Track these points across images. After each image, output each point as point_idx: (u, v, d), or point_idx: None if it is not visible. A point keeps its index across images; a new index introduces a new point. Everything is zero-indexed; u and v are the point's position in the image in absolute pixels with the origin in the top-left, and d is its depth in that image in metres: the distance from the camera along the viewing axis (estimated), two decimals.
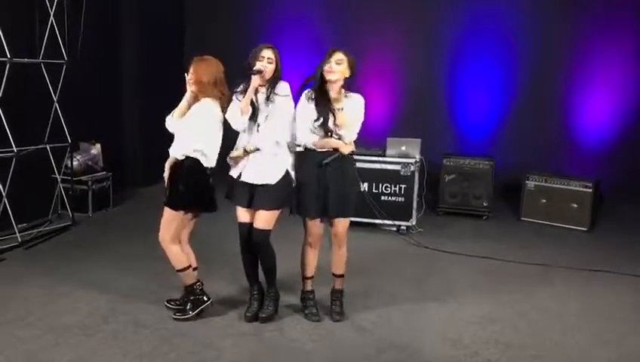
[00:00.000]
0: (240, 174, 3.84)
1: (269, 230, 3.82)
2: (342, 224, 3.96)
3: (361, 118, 3.93)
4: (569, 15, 7.60)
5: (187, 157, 3.76)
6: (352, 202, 3.98)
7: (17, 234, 5.33)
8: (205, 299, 3.95)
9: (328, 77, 3.80)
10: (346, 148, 3.86)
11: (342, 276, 4.11)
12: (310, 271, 4.08)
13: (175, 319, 3.92)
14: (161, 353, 3.50)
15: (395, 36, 8.08)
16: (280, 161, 3.83)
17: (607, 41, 7.52)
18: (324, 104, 3.81)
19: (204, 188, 3.85)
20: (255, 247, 3.85)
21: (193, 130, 3.76)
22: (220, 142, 3.87)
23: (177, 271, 3.89)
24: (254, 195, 3.79)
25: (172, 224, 3.82)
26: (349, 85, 3.93)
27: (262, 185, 3.77)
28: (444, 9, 7.96)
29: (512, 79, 7.89)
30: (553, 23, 7.64)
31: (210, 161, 3.82)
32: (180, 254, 3.87)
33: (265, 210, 3.77)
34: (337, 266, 4.10)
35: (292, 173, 3.89)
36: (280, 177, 3.80)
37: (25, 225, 5.71)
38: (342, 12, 8.22)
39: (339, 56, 3.81)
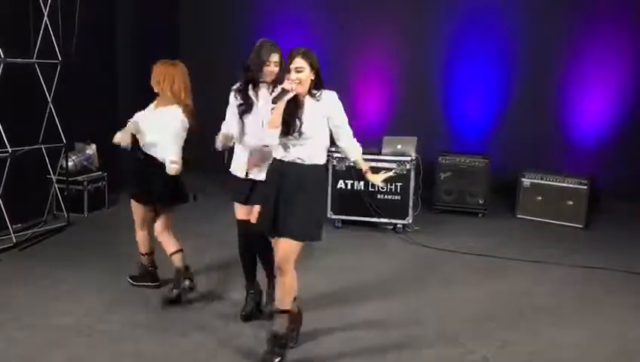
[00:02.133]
0: (246, 173, 3.78)
1: None
2: (284, 244, 3.32)
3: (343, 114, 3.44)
4: (565, 13, 7.60)
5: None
6: (307, 222, 3.33)
7: (12, 235, 5.32)
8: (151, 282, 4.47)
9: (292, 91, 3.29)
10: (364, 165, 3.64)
11: (283, 312, 3.37)
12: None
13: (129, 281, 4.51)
14: (157, 352, 3.49)
15: (390, 34, 8.09)
16: None
17: (604, 39, 7.53)
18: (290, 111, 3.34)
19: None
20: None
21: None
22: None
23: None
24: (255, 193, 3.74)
25: (135, 213, 4.37)
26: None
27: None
28: (440, 7, 7.96)
29: (508, 77, 7.89)
30: (549, 21, 7.65)
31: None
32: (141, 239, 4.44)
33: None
34: (278, 298, 3.44)
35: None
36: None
37: (20, 225, 5.69)
38: (338, 10, 8.22)
39: (298, 63, 3.28)
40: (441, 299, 4.46)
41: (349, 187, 6.19)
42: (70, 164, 6.31)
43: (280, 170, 3.39)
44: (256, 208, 3.67)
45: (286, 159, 3.37)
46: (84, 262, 4.99)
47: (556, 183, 6.67)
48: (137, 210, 4.34)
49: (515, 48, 7.81)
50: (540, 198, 6.76)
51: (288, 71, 3.30)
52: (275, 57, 3.69)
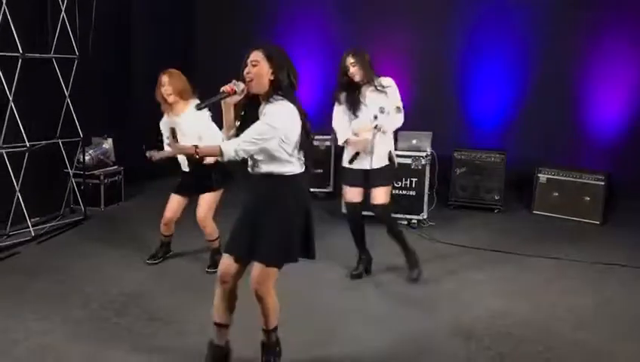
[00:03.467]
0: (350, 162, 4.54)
1: (388, 203, 4.54)
2: (257, 269, 3.04)
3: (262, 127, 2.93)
4: (582, 9, 7.50)
5: None
6: (274, 244, 3.02)
7: (31, 229, 5.38)
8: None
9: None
10: None
11: (271, 331, 3.21)
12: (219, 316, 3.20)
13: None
14: (175, 346, 3.52)
15: (405, 29, 8.03)
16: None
17: (621, 35, 7.42)
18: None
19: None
20: (380, 220, 4.57)
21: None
22: None
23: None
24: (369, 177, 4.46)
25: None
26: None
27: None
28: (455, 2, 7.90)
29: (525, 71, 7.82)
30: (566, 17, 7.55)
31: None
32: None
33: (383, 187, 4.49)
34: (263, 321, 3.22)
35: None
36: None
37: (38, 219, 5.75)
38: (353, 6, 8.20)
39: (253, 56, 2.96)
40: (456, 295, 4.45)
41: None
42: (87, 158, 6.36)
43: (251, 184, 3.11)
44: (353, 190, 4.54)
45: (252, 171, 3.09)
46: (102, 255, 5.04)
47: (573, 179, 6.62)
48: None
49: (533, 43, 7.73)
50: (556, 194, 6.71)
51: (245, 65, 2.97)
52: (349, 59, 4.39)
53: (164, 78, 4.52)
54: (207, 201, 4.65)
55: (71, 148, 6.18)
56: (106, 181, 6.51)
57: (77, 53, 6.00)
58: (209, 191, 4.63)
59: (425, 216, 6.17)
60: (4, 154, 5.27)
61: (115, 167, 6.73)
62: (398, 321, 3.97)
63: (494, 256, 5.38)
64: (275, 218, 3.00)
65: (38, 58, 5.60)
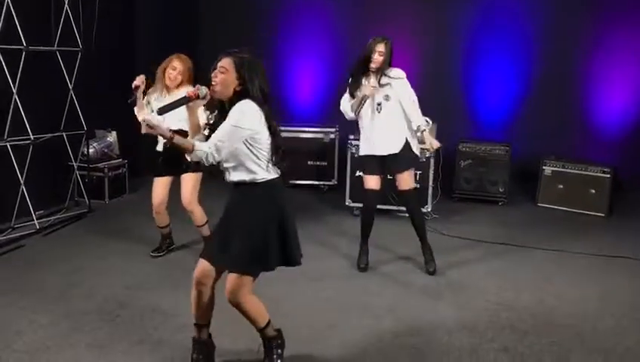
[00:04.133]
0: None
1: (414, 188, 4.66)
2: (231, 278, 2.99)
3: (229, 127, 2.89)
4: (588, 2, 7.46)
5: None
6: (246, 253, 2.95)
7: (35, 221, 5.40)
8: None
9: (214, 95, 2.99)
10: None
11: (263, 328, 3.18)
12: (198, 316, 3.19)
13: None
14: (178, 339, 3.53)
15: (410, 21, 7.99)
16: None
17: (626, 26, 7.38)
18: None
19: None
20: (405, 205, 4.74)
21: None
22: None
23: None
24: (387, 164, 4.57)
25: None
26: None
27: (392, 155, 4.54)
28: None
29: (529, 64, 7.78)
30: (571, 8, 7.51)
31: None
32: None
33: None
34: (252, 324, 3.19)
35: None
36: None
37: (42, 211, 5.76)
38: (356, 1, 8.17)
39: (222, 63, 2.91)
40: (460, 288, 4.44)
41: None
42: (91, 151, 6.37)
43: (229, 190, 3.07)
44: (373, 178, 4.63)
45: (227, 179, 3.03)
46: (106, 248, 5.05)
47: (578, 171, 6.58)
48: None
49: (539, 35, 7.68)
50: (561, 186, 6.68)
51: (214, 68, 2.92)
52: (380, 47, 4.44)
53: (176, 62, 4.57)
54: (188, 182, 4.61)
55: (75, 141, 6.19)
56: (110, 174, 6.52)
57: (80, 46, 5.99)
58: (187, 171, 4.56)
59: (429, 209, 6.15)
60: (9, 147, 5.28)
61: (119, 160, 6.74)
62: (401, 314, 3.96)
63: (498, 248, 5.36)
64: (246, 226, 2.95)
65: (41, 51, 5.60)
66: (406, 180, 4.59)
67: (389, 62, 4.57)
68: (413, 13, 7.98)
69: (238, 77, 2.89)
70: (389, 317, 3.92)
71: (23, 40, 5.29)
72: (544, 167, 6.76)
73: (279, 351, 3.25)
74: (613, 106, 7.58)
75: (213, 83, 2.89)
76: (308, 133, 7.20)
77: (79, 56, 6.01)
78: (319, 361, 3.35)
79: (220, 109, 2.99)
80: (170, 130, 2.97)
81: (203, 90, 2.93)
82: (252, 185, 2.96)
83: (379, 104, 4.52)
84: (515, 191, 7.10)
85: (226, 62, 2.89)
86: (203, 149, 2.85)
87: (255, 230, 2.96)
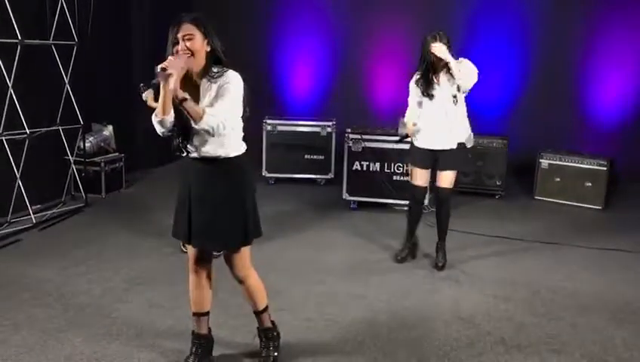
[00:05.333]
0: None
1: (452, 188, 4.63)
2: (232, 256, 3.03)
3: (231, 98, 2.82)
4: None
5: None
6: (239, 226, 2.95)
7: (32, 216, 5.39)
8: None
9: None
10: None
11: (262, 312, 3.20)
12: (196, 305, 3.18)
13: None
14: (176, 332, 3.53)
15: (406, 14, 7.97)
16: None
17: (623, 19, 7.37)
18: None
19: None
20: (441, 202, 4.66)
21: None
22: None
23: None
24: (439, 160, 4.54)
25: None
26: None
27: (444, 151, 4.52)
28: None
29: (526, 57, 7.77)
30: (567, 1, 7.50)
31: None
32: None
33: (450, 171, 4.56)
34: (251, 304, 3.20)
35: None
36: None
37: (39, 206, 5.75)
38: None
39: (185, 30, 2.77)
40: (457, 281, 4.45)
41: (364, 168, 6.17)
42: (87, 145, 6.35)
43: (191, 169, 2.94)
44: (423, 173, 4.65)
45: (198, 155, 2.88)
46: (103, 242, 5.05)
47: (575, 164, 6.59)
48: None
49: (536, 27, 7.67)
50: (558, 180, 6.69)
51: (177, 42, 2.77)
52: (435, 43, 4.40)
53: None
54: None
55: (71, 135, 6.17)
56: (106, 168, 6.50)
57: (76, 40, 5.96)
58: None
59: (426, 203, 6.14)
60: (4, 141, 5.26)
61: (116, 153, 6.72)
62: (398, 307, 3.97)
63: (495, 241, 5.37)
64: (233, 199, 2.90)
65: (37, 44, 5.58)
66: (449, 179, 4.58)
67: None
68: (410, 10, 7.94)
69: (204, 38, 2.79)
70: (386, 310, 3.92)
71: (19, 34, 5.26)
72: (541, 160, 6.77)
73: (275, 343, 3.26)
74: (609, 99, 7.58)
75: (186, 54, 2.74)
76: (305, 126, 7.18)
77: (75, 49, 5.98)
78: (316, 354, 3.36)
79: (185, 88, 2.75)
80: (185, 94, 2.72)
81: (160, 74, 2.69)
82: (226, 159, 2.88)
83: (454, 96, 4.53)
84: (512, 184, 7.10)
85: (188, 28, 2.76)
86: (213, 120, 2.71)
87: (245, 200, 2.93)
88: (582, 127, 7.65)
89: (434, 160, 4.58)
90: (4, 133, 5.27)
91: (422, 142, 4.59)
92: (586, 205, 6.50)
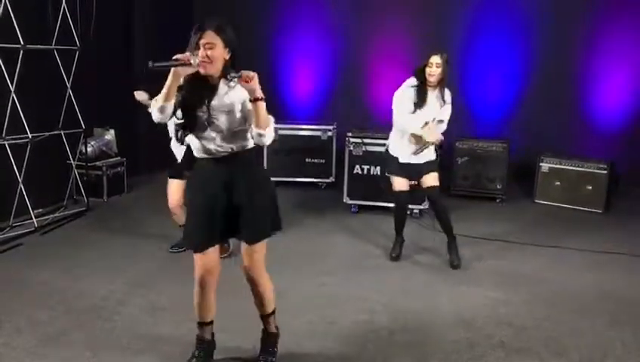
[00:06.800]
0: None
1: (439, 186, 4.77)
2: (248, 252, 3.05)
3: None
4: None
5: None
6: (263, 220, 3.02)
7: (34, 220, 5.40)
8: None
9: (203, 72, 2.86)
10: None
11: (269, 315, 3.22)
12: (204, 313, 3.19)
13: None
14: (178, 335, 3.54)
15: (406, 17, 8.01)
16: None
17: (624, 22, 7.39)
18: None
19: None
20: (433, 202, 4.82)
21: None
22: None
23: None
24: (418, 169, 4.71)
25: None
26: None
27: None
28: None
29: (526, 60, 7.79)
30: (568, 4, 7.52)
31: None
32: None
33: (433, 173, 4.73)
34: (258, 306, 3.21)
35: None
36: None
37: (41, 210, 5.77)
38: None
39: (208, 38, 2.83)
40: (457, 284, 4.45)
41: (365, 172, 6.19)
42: (89, 149, 6.38)
43: (210, 171, 2.97)
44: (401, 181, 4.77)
45: (217, 154, 2.93)
46: (104, 246, 5.06)
47: (575, 168, 6.60)
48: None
49: (536, 31, 7.69)
50: (558, 183, 6.70)
51: (197, 48, 2.82)
52: (435, 59, 4.48)
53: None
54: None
55: (73, 139, 6.20)
56: (108, 172, 6.53)
57: (78, 44, 5.99)
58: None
59: (426, 206, 6.16)
60: (7, 146, 5.28)
61: (118, 158, 6.74)
62: (399, 309, 3.98)
63: (496, 245, 5.38)
64: (260, 190, 2.98)
65: (39, 49, 5.60)
66: (433, 178, 4.74)
67: (446, 77, 4.65)
68: (410, 12, 7.98)
69: (225, 46, 2.83)
70: (386, 312, 3.93)
71: (21, 39, 5.29)
72: (541, 164, 6.78)
73: (275, 349, 3.28)
74: (609, 103, 7.59)
75: (203, 61, 2.78)
76: (305, 130, 7.21)
77: (77, 54, 6.01)
78: (317, 357, 3.36)
79: (196, 85, 2.85)
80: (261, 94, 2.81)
81: (196, 59, 2.78)
82: (247, 151, 2.97)
83: (435, 119, 4.70)
84: (512, 188, 7.11)
85: (211, 37, 2.80)
86: (272, 134, 2.86)
87: (265, 194, 3.02)
88: (582, 130, 7.66)
89: (416, 171, 4.74)
90: (7, 137, 5.30)
91: (407, 158, 4.74)
92: (586, 208, 6.50)
